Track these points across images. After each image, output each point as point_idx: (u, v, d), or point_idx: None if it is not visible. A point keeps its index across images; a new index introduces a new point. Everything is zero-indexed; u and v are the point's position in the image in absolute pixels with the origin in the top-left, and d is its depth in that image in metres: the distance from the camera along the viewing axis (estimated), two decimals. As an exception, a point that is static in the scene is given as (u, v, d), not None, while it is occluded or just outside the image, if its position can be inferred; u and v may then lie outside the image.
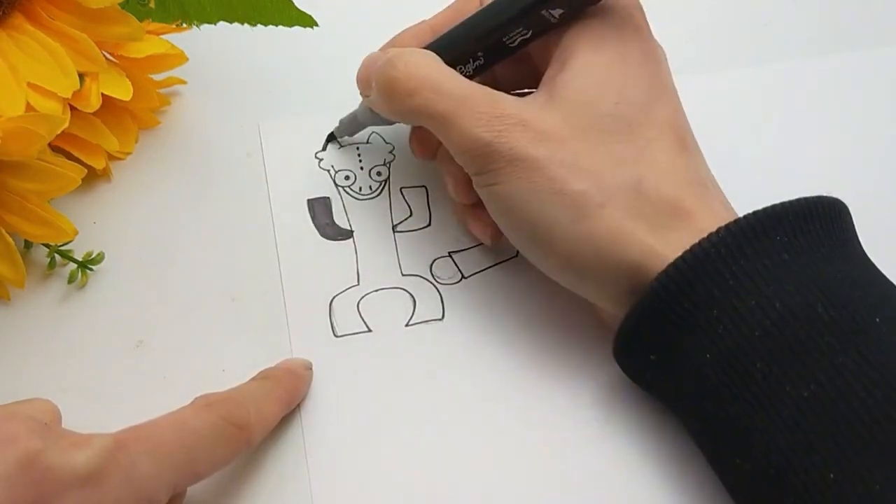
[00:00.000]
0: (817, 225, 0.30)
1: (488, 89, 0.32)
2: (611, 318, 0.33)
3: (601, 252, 0.30)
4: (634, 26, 0.33)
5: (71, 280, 0.37)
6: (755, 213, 0.29)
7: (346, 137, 0.41)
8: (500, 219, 0.33)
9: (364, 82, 0.36)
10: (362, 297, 0.37)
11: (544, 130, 0.31)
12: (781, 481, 0.27)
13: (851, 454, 0.26)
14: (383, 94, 0.34)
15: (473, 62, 0.34)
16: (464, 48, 0.34)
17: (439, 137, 0.33)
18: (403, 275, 0.38)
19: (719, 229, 0.29)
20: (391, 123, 0.39)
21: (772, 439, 0.27)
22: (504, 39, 0.33)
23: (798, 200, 0.30)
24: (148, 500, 0.26)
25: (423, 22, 0.37)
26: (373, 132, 0.41)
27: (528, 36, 0.33)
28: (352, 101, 0.43)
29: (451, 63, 0.33)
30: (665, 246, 0.30)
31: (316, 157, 0.41)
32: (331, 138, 0.41)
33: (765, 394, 0.27)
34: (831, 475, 0.26)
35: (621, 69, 0.32)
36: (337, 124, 0.41)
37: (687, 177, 0.31)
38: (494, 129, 0.31)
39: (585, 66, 0.32)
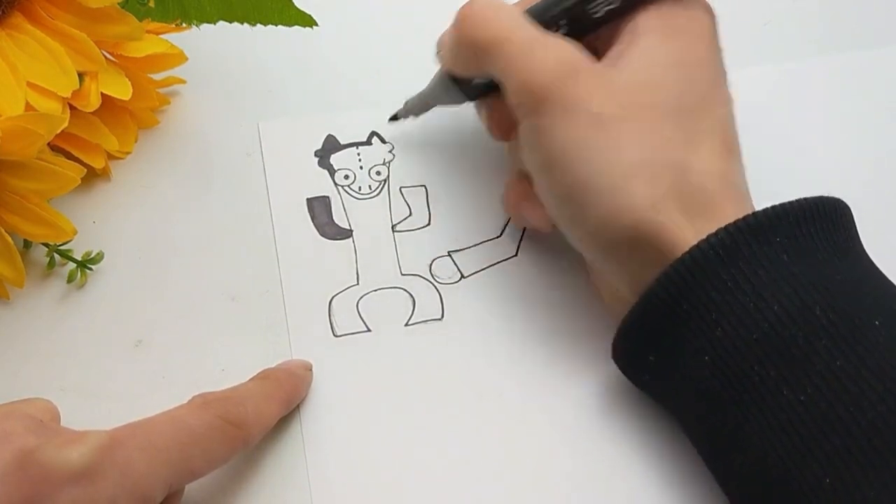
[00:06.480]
0: (817, 226, 0.30)
1: (565, 37, 0.32)
2: (617, 308, 0.32)
3: (635, 223, 0.30)
4: (707, 27, 0.33)
5: (70, 279, 0.37)
6: (754, 214, 0.29)
7: (412, 117, 0.41)
8: (542, 174, 0.32)
9: (442, 40, 0.36)
10: (362, 296, 0.37)
11: (612, 89, 0.31)
12: (777, 485, 0.27)
13: (848, 459, 0.26)
14: (459, 23, 0.33)
15: (557, 30, 0.33)
16: (549, 14, 0.33)
17: (502, 73, 0.32)
18: (403, 274, 0.38)
19: (718, 231, 0.29)
20: (460, 103, 0.38)
21: (768, 443, 0.27)
22: (590, 8, 0.33)
23: (798, 201, 0.30)
24: (143, 498, 0.26)
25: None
26: (372, 131, 0.41)
27: (615, 6, 0.33)
28: (352, 100, 0.43)
29: None
30: (695, 232, 0.29)
31: (360, 146, 0.41)
32: (393, 118, 0.41)
33: (762, 397, 0.27)
34: (827, 480, 0.26)
35: (689, 62, 0.32)
36: (401, 106, 0.40)
37: (727, 177, 0.31)
38: (563, 71, 0.31)
39: (654, 48, 0.32)
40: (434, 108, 0.40)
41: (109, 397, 0.34)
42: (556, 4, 0.33)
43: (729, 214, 0.30)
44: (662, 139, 0.31)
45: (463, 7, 0.34)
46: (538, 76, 0.31)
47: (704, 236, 0.29)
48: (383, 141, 0.41)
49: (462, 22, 0.33)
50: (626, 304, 0.31)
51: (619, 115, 0.30)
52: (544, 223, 0.35)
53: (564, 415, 0.34)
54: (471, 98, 0.37)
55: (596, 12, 0.33)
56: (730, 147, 0.32)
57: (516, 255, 0.38)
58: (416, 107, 0.40)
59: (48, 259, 0.37)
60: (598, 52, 0.34)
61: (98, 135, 0.38)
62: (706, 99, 0.32)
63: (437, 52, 0.37)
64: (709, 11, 0.34)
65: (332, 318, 0.36)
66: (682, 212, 0.30)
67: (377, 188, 0.40)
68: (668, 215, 0.30)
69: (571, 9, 0.33)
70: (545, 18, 0.33)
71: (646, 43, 0.32)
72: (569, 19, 0.33)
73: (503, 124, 0.36)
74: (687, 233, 0.29)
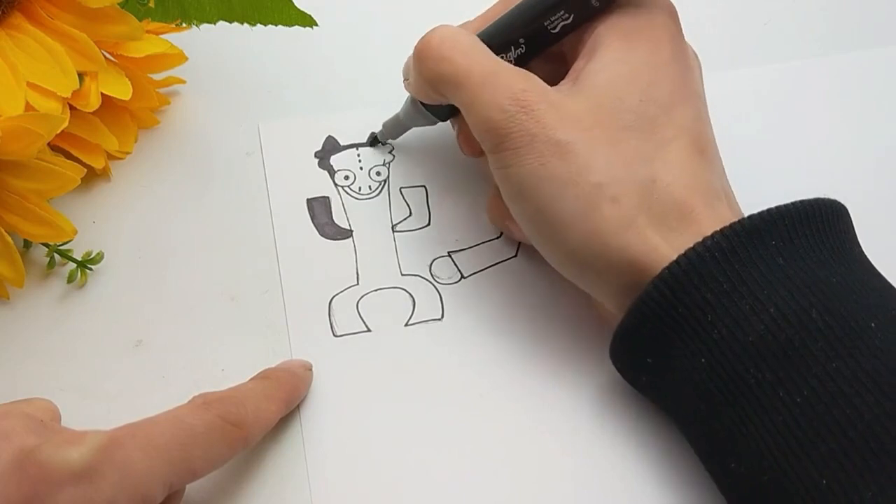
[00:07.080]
0: (814, 228, 0.30)
1: (520, 69, 0.32)
2: (612, 316, 0.33)
3: (608, 247, 0.30)
4: (668, 28, 0.33)
5: (70, 279, 0.37)
6: (750, 217, 0.29)
7: (391, 140, 0.41)
8: (512, 204, 0.33)
9: (407, 66, 0.36)
10: (362, 296, 0.37)
11: (568, 116, 0.31)
12: (774, 486, 0.27)
13: (844, 461, 0.26)
14: (417, 59, 0.34)
15: (515, 50, 0.34)
16: (506, 34, 0.34)
17: (462, 109, 0.33)
18: (403, 274, 0.38)
19: (714, 233, 0.29)
20: (434, 123, 0.38)
21: (765, 445, 0.27)
22: (546, 24, 0.33)
23: (794, 204, 0.30)
24: (143, 498, 0.26)
25: (465, 23, 0.37)
26: (372, 132, 0.41)
27: (569, 21, 0.33)
28: (351, 101, 0.43)
29: (493, 51, 0.33)
30: (669, 247, 0.30)
31: (355, 152, 0.41)
32: (374, 142, 0.41)
33: (758, 399, 0.27)
34: (823, 481, 0.26)
35: (650, 68, 0.32)
36: (380, 127, 0.41)
37: (699, 182, 0.31)
38: (519, 104, 0.31)
39: (615, 60, 0.32)
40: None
41: (109, 397, 0.34)
42: (513, 25, 0.34)
43: (703, 218, 0.30)
44: (627, 156, 0.31)
45: (420, 41, 0.34)
46: (495, 115, 0.31)
47: (684, 248, 0.29)
48: (383, 142, 0.41)
49: (419, 57, 0.34)
50: (618, 317, 0.31)
51: (580, 139, 0.30)
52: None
53: (563, 415, 0.34)
54: (442, 119, 0.38)
55: (553, 28, 0.33)
56: (701, 148, 0.32)
57: (516, 255, 0.38)
58: (393, 130, 0.40)
59: (48, 259, 0.37)
60: (565, 57, 0.35)
61: (98, 135, 0.38)
62: (671, 103, 0.32)
63: (405, 80, 0.37)
64: (668, 11, 0.33)
65: (332, 318, 0.36)
66: (655, 227, 0.30)
67: (377, 188, 0.40)
68: (641, 235, 0.30)
69: (527, 28, 0.33)
70: (502, 39, 0.34)
71: (605, 58, 0.32)
72: (526, 38, 0.33)
73: (472, 142, 0.36)
74: (662, 249, 0.30)
